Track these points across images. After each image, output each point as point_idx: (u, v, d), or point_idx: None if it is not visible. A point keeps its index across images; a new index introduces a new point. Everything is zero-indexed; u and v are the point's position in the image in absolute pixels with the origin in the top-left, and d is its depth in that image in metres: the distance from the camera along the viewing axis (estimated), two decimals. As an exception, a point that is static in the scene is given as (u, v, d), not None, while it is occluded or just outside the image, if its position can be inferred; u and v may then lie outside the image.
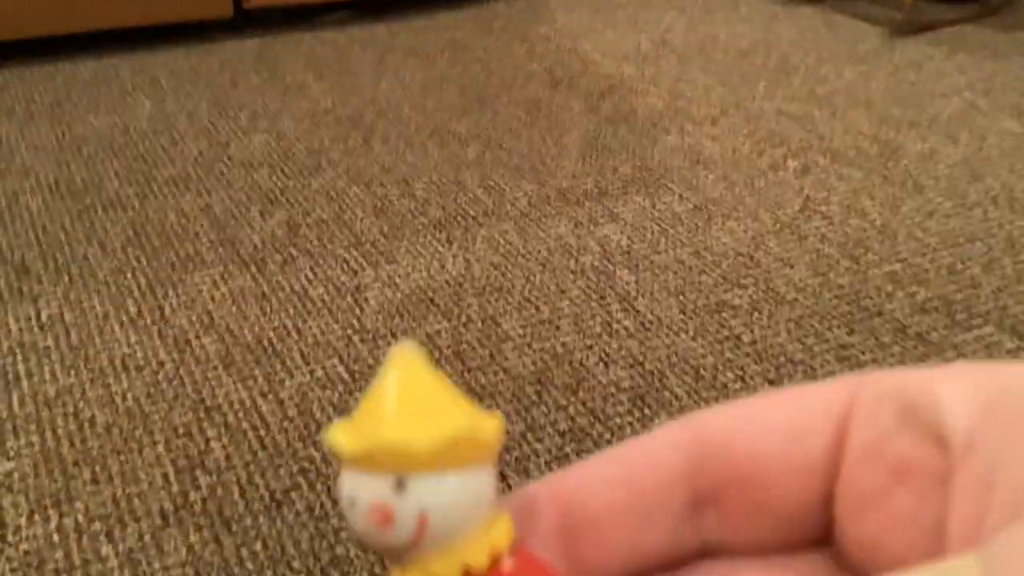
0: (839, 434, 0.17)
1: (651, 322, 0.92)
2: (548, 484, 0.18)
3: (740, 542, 0.18)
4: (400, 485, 0.16)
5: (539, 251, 1.04)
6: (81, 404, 0.81)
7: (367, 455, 0.16)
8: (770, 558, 0.18)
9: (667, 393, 0.82)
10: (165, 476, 0.73)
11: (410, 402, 0.17)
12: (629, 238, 1.06)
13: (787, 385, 0.70)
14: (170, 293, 0.97)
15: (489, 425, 0.17)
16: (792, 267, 1.01)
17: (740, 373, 0.85)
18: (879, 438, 0.16)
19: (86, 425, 0.79)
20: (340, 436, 0.16)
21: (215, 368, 0.86)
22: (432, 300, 0.95)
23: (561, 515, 0.18)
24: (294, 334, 0.90)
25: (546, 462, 0.75)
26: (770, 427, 0.17)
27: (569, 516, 0.18)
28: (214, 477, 0.73)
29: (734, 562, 0.18)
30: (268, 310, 0.94)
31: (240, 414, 0.80)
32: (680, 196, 1.16)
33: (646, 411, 0.80)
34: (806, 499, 0.17)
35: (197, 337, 0.90)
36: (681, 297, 0.96)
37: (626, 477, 0.18)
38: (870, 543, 0.16)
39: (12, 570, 0.65)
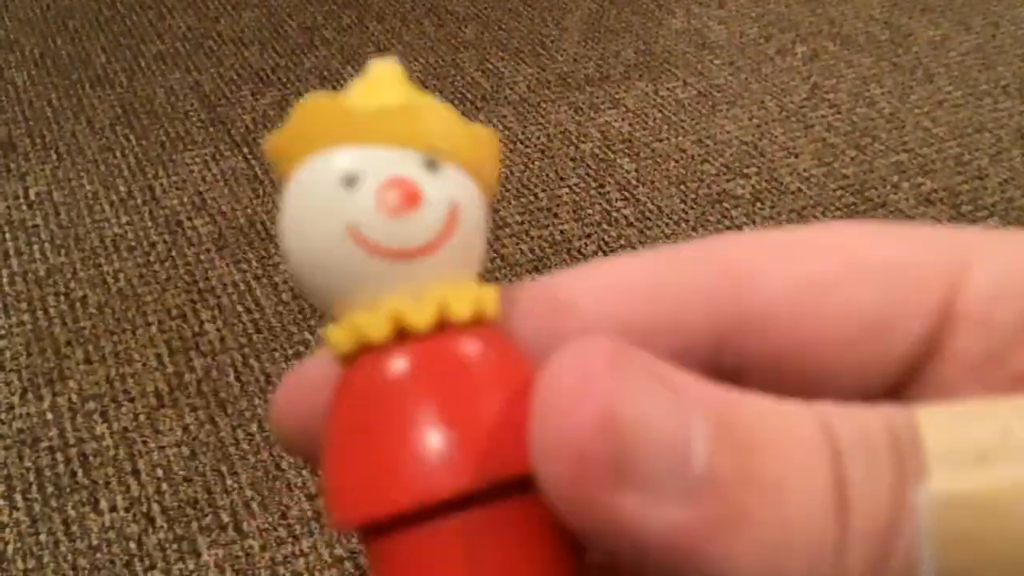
0: (933, 326, 0.13)
1: (651, 211, 0.90)
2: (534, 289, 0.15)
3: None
4: (432, 165, 0.12)
5: (538, 137, 1.02)
6: (72, 284, 0.80)
7: (393, 117, 0.12)
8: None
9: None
10: (159, 357, 0.73)
11: (414, 91, 0.13)
12: (631, 125, 1.04)
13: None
14: (160, 173, 0.95)
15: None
16: (797, 156, 0.99)
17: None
18: (999, 347, 0.13)
19: (78, 305, 0.78)
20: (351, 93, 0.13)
21: (208, 250, 0.84)
22: (428, 184, 0.93)
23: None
24: (288, 217, 0.89)
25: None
26: (846, 312, 0.13)
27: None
28: (209, 359, 0.73)
29: None
30: (261, 192, 0.92)
31: (234, 296, 0.79)
32: (684, 82, 1.13)
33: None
34: (873, 390, 0.14)
35: (189, 218, 0.88)
36: (682, 186, 0.94)
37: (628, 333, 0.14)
38: None
39: (6, 447, 0.66)
